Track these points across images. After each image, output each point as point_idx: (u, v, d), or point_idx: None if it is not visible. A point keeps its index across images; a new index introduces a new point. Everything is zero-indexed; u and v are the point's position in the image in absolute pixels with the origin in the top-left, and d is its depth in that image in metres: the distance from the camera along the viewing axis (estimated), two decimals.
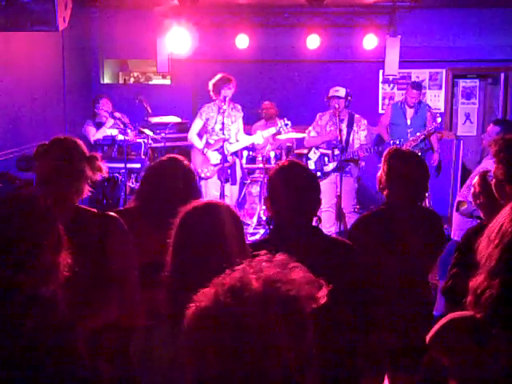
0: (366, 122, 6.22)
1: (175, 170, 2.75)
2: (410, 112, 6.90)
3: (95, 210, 2.48)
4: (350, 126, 6.13)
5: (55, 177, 2.36)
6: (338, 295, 1.51)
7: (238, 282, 1.15)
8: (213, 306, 1.13)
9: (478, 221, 3.81)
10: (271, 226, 2.30)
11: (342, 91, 6.04)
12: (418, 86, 7.03)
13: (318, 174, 6.22)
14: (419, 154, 6.14)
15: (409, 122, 6.87)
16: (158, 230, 2.49)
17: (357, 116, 6.18)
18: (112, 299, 2.34)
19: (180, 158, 2.87)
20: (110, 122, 6.79)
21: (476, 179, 3.25)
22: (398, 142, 5.98)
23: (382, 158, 2.92)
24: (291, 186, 2.24)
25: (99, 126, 6.86)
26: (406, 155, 2.90)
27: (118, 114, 6.69)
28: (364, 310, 2.24)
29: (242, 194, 6.87)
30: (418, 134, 6.57)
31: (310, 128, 6.36)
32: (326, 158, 6.15)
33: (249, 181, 7.03)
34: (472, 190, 3.31)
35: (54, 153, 2.42)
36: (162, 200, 2.63)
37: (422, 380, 1.63)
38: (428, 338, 1.58)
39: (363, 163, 6.42)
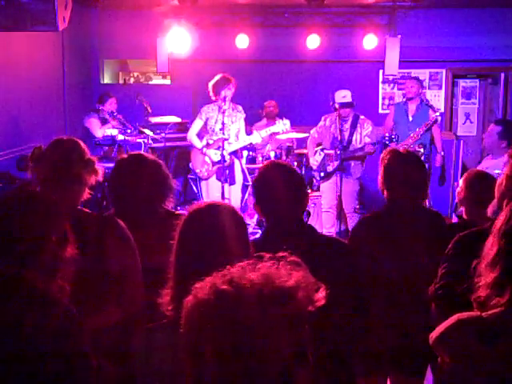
0: (370, 123, 6.21)
1: (134, 171, 2.66)
2: (411, 109, 6.88)
3: (94, 213, 2.47)
4: (353, 127, 6.13)
5: (52, 180, 2.34)
6: (334, 295, 1.50)
7: (236, 274, 1.15)
8: (211, 296, 1.13)
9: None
10: (263, 228, 2.31)
11: (348, 96, 6.01)
12: (414, 77, 7.08)
13: (322, 174, 6.24)
14: (421, 150, 6.13)
15: (410, 118, 6.84)
16: (134, 233, 2.48)
17: (362, 117, 6.17)
18: (112, 300, 2.33)
19: (140, 154, 2.78)
20: (114, 122, 6.81)
21: (463, 176, 3.25)
22: (392, 137, 5.90)
23: (380, 160, 2.92)
24: (277, 186, 2.25)
25: (104, 121, 6.88)
26: (402, 155, 2.89)
27: (120, 116, 6.72)
28: (360, 310, 2.24)
29: (246, 196, 6.82)
30: (417, 129, 6.54)
31: (314, 130, 6.39)
32: (329, 159, 6.15)
33: (250, 182, 7.02)
34: (458, 189, 3.31)
35: (52, 155, 2.39)
36: (130, 203, 2.60)
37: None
38: (433, 337, 1.58)
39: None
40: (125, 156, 2.80)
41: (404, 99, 7.13)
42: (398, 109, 7.05)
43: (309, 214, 6.62)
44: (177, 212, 2.81)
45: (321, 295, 1.17)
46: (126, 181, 2.65)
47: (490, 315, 1.51)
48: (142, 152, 2.84)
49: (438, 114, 6.62)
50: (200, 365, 1.12)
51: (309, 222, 6.76)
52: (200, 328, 1.13)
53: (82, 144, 2.51)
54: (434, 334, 1.59)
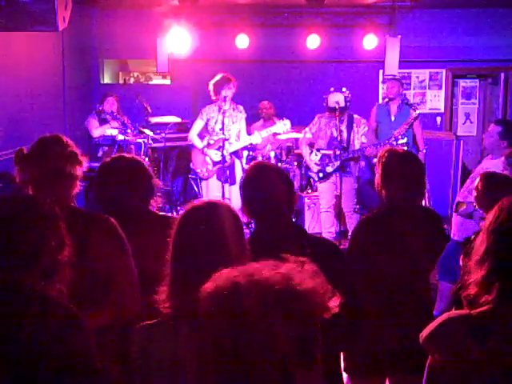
0: (365, 121, 6.20)
1: (115, 173, 2.66)
2: (393, 110, 6.89)
3: (84, 210, 2.45)
4: (349, 127, 6.11)
5: (38, 178, 2.33)
6: None
7: (255, 269, 1.17)
8: (226, 286, 1.14)
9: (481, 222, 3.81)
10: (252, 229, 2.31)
11: (341, 100, 5.98)
12: (394, 78, 7.08)
13: (321, 174, 6.21)
14: (405, 149, 6.10)
15: (393, 118, 6.85)
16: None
17: (356, 116, 6.15)
18: (101, 300, 2.28)
19: (121, 156, 2.78)
20: (115, 123, 6.81)
21: (477, 182, 3.25)
22: (400, 138, 5.88)
23: (377, 160, 2.91)
24: (264, 188, 2.25)
25: (104, 122, 6.87)
26: (400, 154, 2.89)
27: (119, 116, 6.71)
28: (352, 310, 2.24)
29: None
30: (399, 128, 6.46)
31: (307, 129, 6.34)
32: (328, 159, 6.13)
33: None
34: (474, 193, 3.31)
35: (33, 154, 2.40)
36: (114, 204, 2.59)
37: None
38: (423, 336, 1.59)
39: (363, 163, 6.40)
40: (108, 159, 2.80)
41: (386, 100, 7.13)
42: (380, 109, 7.06)
43: (297, 214, 6.60)
44: (161, 213, 2.81)
45: (334, 303, 1.18)
46: (107, 183, 2.65)
47: (479, 313, 1.52)
48: (123, 154, 2.85)
49: (417, 112, 6.59)
50: (204, 356, 1.13)
51: (309, 222, 6.82)
52: (210, 314, 1.14)
53: (64, 138, 2.49)
54: (424, 333, 1.59)
